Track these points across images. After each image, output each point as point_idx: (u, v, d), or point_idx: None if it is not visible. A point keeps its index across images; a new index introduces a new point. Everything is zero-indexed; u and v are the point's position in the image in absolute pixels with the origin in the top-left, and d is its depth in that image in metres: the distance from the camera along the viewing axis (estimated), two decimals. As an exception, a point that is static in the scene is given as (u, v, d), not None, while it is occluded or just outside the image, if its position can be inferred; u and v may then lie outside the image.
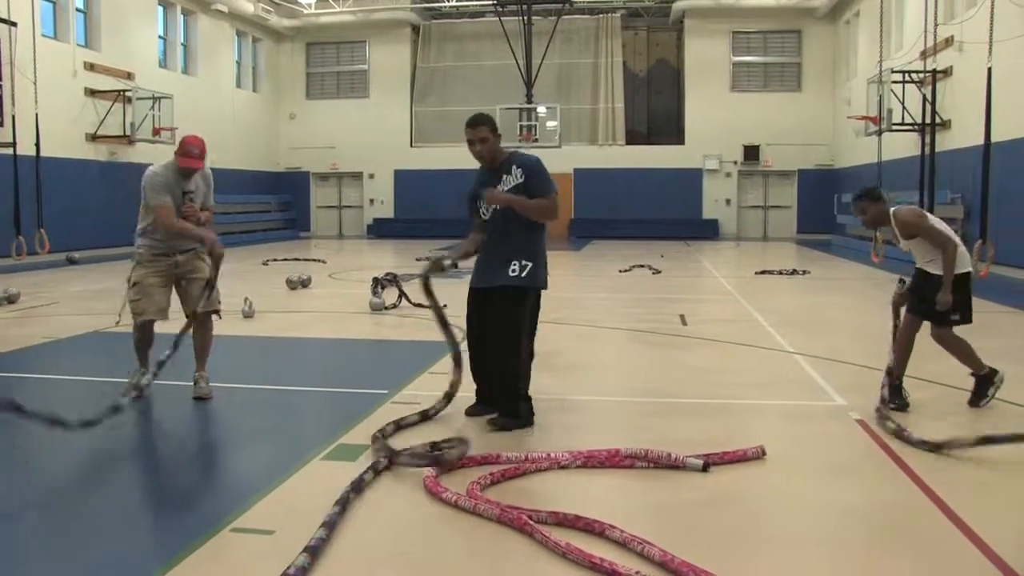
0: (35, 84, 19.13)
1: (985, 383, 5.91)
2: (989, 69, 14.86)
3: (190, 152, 5.99)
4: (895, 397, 5.84)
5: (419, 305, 11.01)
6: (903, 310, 6.07)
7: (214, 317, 6.41)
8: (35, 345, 8.57)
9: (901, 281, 6.12)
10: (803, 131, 29.99)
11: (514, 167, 5.49)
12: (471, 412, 5.69)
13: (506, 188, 5.47)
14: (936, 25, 19.52)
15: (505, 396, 5.51)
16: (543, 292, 5.68)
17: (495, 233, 5.54)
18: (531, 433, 5.35)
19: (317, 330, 9.91)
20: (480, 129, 5.49)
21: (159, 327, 6.36)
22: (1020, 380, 6.72)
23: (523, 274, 5.45)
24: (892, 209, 5.95)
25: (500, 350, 5.48)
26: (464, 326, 5.78)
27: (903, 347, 6.01)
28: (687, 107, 31.08)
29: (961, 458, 4.79)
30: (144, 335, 6.31)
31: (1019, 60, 15.42)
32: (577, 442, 5.00)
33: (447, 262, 5.51)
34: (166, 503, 4.41)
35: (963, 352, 5.96)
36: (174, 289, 6.34)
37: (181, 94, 24.64)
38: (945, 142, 19.48)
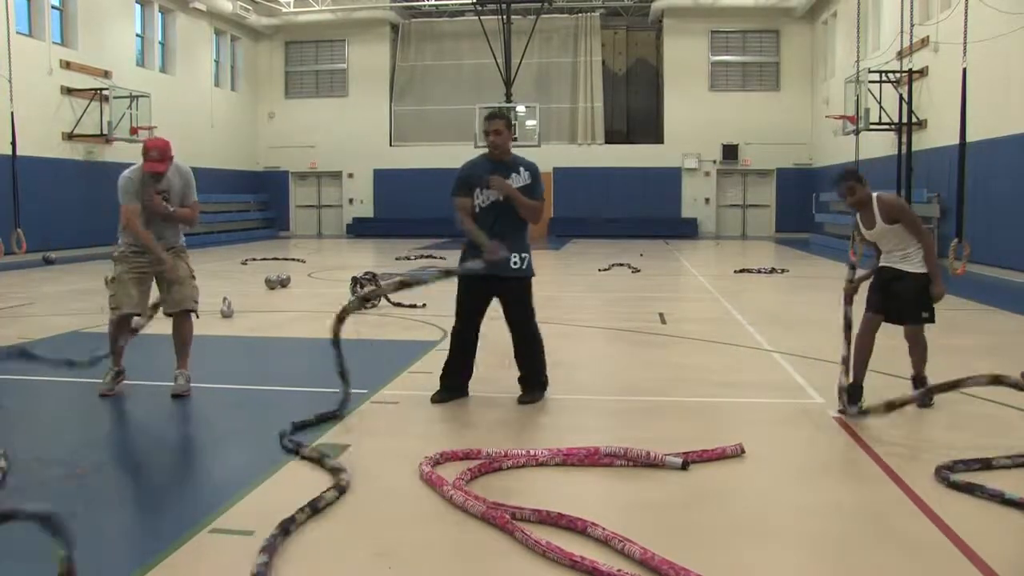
0: (10, 82, 18.93)
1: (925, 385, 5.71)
2: (964, 69, 15.00)
3: (149, 156, 6.17)
4: (851, 401, 5.68)
5: (398, 305, 11.00)
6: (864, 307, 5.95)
7: (193, 316, 6.47)
8: (10, 345, 8.48)
9: (852, 268, 6.13)
10: (781, 130, 30.16)
11: (522, 168, 6.07)
12: (438, 399, 6.04)
13: (514, 186, 5.99)
14: (912, 26, 19.71)
15: (536, 370, 6.19)
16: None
17: (493, 228, 5.94)
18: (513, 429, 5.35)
19: (296, 329, 9.87)
20: (495, 122, 6.09)
21: (146, 327, 6.33)
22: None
23: (524, 266, 6.07)
24: (875, 194, 5.89)
25: (530, 330, 6.17)
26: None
27: (864, 349, 5.87)
28: (666, 106, 31.17)
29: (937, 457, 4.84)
30: (118, 330, 6.34)
31: (993, 60, 15.58)
32: (556, 440, 5.01)
33: (507, 254, 5.82)
34: (144, 503, 4.38)
35: (924, 355, 5.90)
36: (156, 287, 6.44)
37: (159, 93, 24.50)
38: (921, 141, 19.66)
